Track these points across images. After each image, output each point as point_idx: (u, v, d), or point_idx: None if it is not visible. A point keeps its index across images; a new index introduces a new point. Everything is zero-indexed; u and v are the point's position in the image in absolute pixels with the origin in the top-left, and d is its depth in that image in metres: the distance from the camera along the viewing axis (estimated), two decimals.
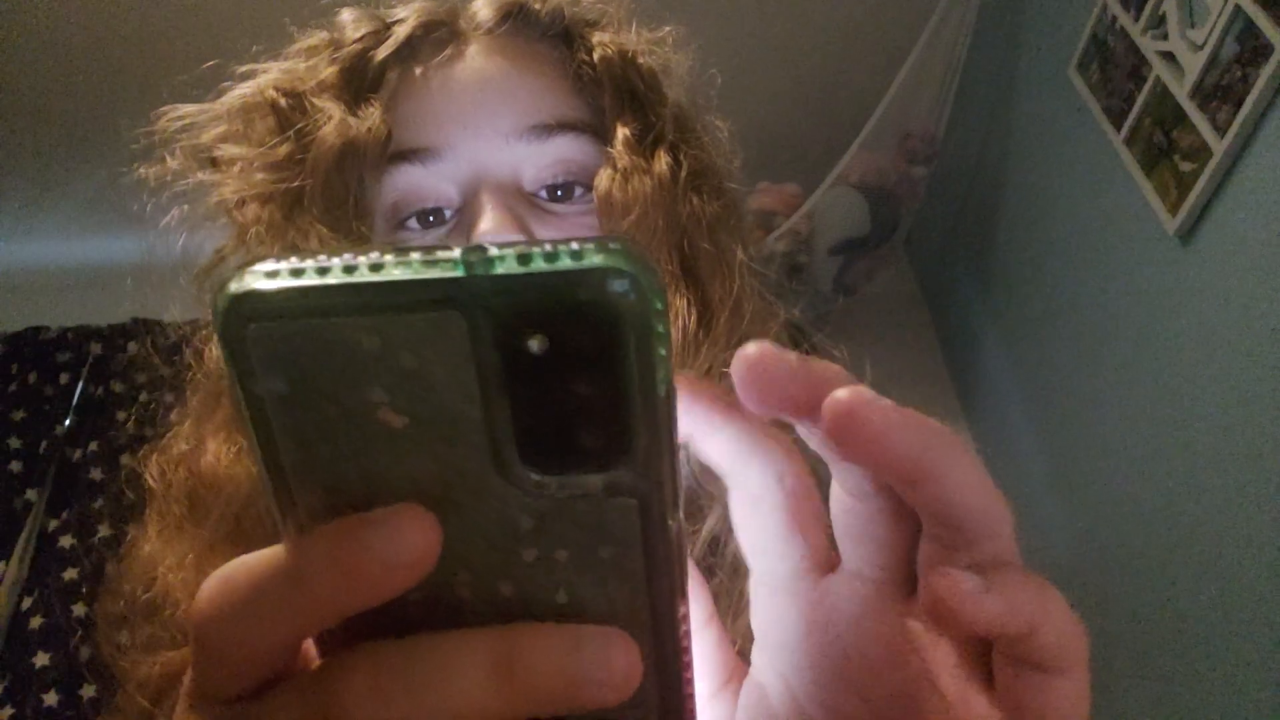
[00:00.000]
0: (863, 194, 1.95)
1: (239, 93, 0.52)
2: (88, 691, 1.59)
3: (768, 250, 2.00)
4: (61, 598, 1.65)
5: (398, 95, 0.49)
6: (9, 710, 1.53)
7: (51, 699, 1.54)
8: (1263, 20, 1.14)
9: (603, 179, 0.47)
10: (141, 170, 0.51)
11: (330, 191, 0.47)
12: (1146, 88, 1.38)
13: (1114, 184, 1.48)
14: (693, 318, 0.46)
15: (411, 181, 0.48)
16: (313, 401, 0.18)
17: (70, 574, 1.68)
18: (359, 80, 0.49)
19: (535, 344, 0.18)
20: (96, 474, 1.82)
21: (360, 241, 0.45)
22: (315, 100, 0.49)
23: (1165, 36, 1.34)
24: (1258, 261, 1.20)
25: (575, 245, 0.17)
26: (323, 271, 0.17)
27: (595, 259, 0.17)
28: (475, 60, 0.49)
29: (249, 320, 0.17)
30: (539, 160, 0.48)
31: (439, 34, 0.50)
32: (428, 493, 0.19)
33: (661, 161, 0.49)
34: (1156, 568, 1.46)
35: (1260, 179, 1.19)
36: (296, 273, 0.17)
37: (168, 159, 0.50)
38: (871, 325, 2.26)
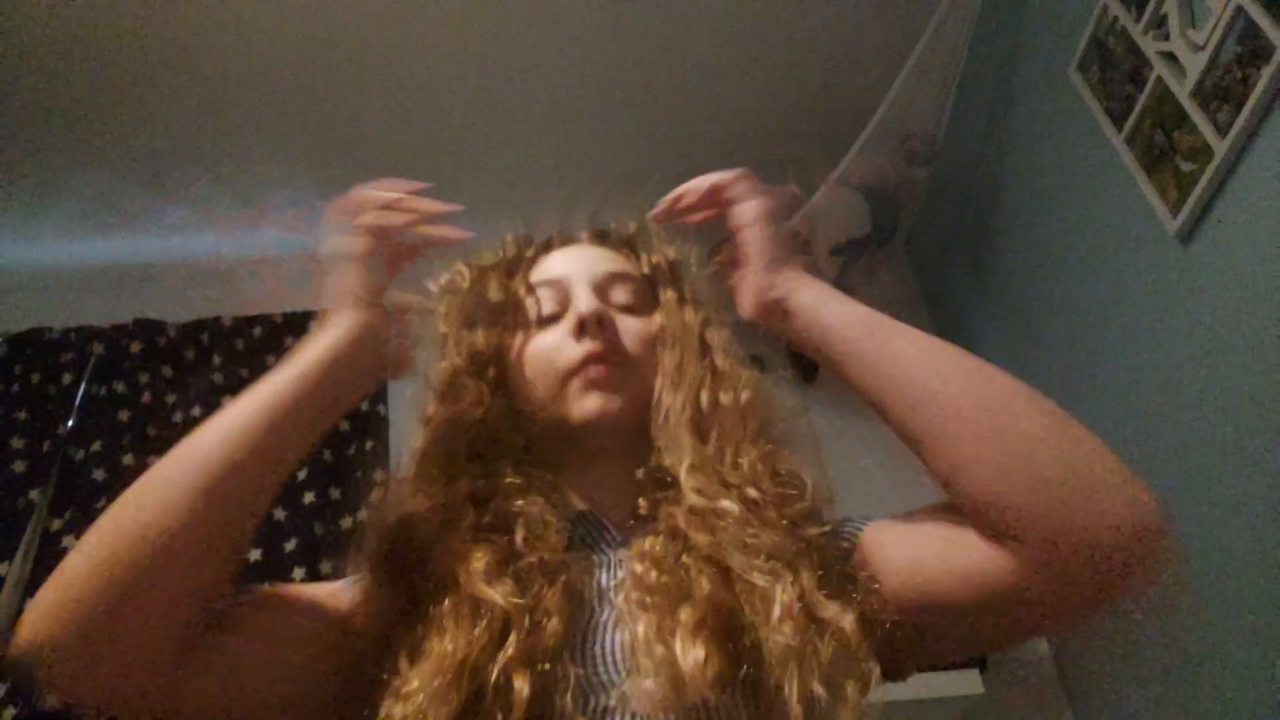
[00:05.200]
0: (863, 195, 1.95)
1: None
2: None
3: None
4: None
5: (541, 261, 0.88)
6: (11, 710, 1.53)
7: (53, 698, 1.55)
8: (1264, 21, 1.15)
9: (659, 318, 0.83)
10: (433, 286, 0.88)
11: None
12: (1147, 88, 1.38)
13: (1114, 185, 1.48)
14: (709, 374, 0.80)
15: (539, 296, 0.83)
16: None
17: None
18: (515, 265, 0.89)
19: None
20: (99, 474, 1.83)
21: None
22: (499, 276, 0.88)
23: (1166, 37, 1.34)
24: (1258, 262, 1.20)
25: None
26: None
27: None
28: (580, 248, 0.88)
29: None
30: (612, 294, 0.83)
31: (563, 234, 0.91)
32: None
33: (689, 311, 0.84)
34: None
35: (1261, 179, 1.19)
36: None
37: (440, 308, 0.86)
38: None
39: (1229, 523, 1.28)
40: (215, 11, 1.81)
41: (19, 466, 1.86)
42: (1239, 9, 1.18)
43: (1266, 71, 1.15)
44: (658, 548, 0.68)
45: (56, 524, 1.77)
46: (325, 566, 1.76)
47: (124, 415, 1.93)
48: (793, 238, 1.97)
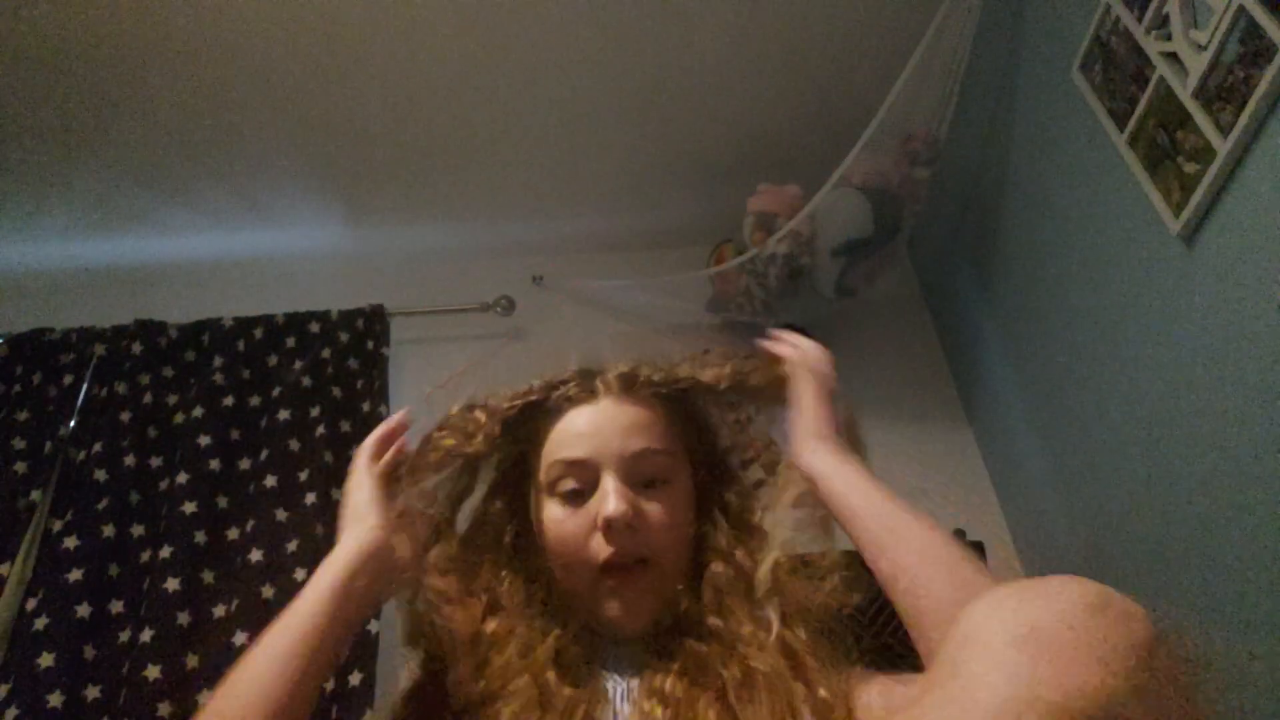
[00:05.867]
0: (865, 195, 1.95)
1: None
2: (92, 692, 1.59)
3: (769, 252, 2.00)
4: (65, 599, 1.65)
5: (568, 416, 0.91)
6: (14, 711, 1.53)
7: (56, 700, 1.55)
8: (1266, 21, 1.14)
9: (687, 483, 0.90)
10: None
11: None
12: (1149, 89, 1.38)
13: (1117, 185, 1.48)
14: (734, 516, 0.91)
15: (568, 474, 0.87)
16: None
17: (75, 575, 1.68)
18: (535, 417, 0.93)
19: None
20: (100, 475, 1.82)
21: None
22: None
23: (1169, 37, 1.34)
24: (1261, 262, 1.20)
25: None
26: None
27: None
28: (608, 410, 0.90)
29: None
30: (640, 471, 0.86)
31: (587, 387, 0.92)
32: None
33: (718, 470, 0.94)
34: (1158, 569, 1.46)
35: (1264, 179, 1.19)
36: None
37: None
38: (874, 327, 2.25)
39: (1233, 527, 1.28)
40: (214, 11, 1.81)
41: (20, 467, 1.86)
42: (1241, 9, 1.18)
43: (1269, 71, 1.14)
44: (666, 685, 0.77)
45: (57, 525, 1.77)
46: None
47: (125, 416, 1.93)
48: (794, 239, 1.97)
